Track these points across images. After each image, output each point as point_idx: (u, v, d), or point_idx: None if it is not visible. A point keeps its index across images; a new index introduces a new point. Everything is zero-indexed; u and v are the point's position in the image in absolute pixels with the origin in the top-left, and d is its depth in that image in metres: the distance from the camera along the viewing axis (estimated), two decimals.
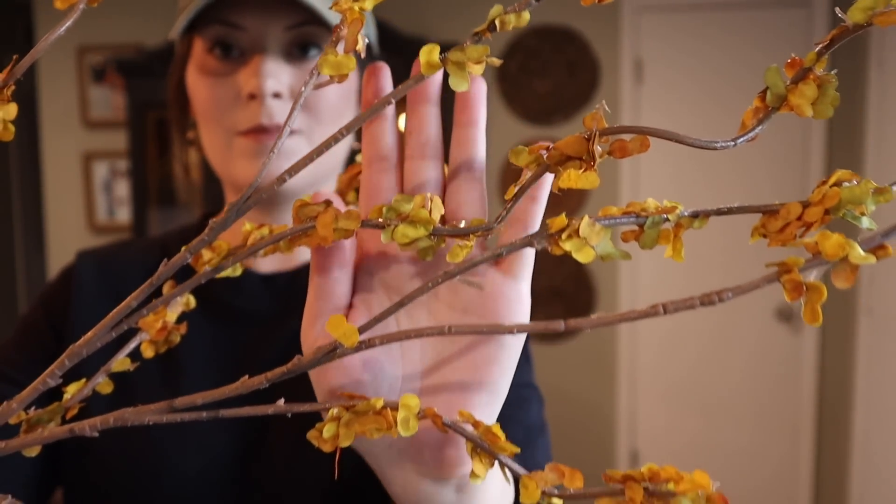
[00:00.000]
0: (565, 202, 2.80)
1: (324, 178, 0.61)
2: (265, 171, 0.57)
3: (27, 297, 4.50)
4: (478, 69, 0.27)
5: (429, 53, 0.27)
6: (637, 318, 0.26)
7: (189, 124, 0.66)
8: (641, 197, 2.76)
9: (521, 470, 0.28)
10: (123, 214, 3.13)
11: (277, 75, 0.55)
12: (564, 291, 2.80)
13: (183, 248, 0.29)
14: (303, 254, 0.65)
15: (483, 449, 0.29)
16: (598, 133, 0.27)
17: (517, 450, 0.28)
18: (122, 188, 3.12)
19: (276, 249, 0.32)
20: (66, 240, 3.23)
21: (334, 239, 0.28)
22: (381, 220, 0.28)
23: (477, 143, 0.33)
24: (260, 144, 0.56)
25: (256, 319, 0.60)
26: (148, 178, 2.83)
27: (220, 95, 0.57)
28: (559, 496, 0.27)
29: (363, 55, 0.29)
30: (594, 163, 0.27)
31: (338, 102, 0.59)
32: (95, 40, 3.10)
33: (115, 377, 0.51)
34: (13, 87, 0.30)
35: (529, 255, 0.32)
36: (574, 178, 0.28)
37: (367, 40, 0.68)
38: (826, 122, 2.64)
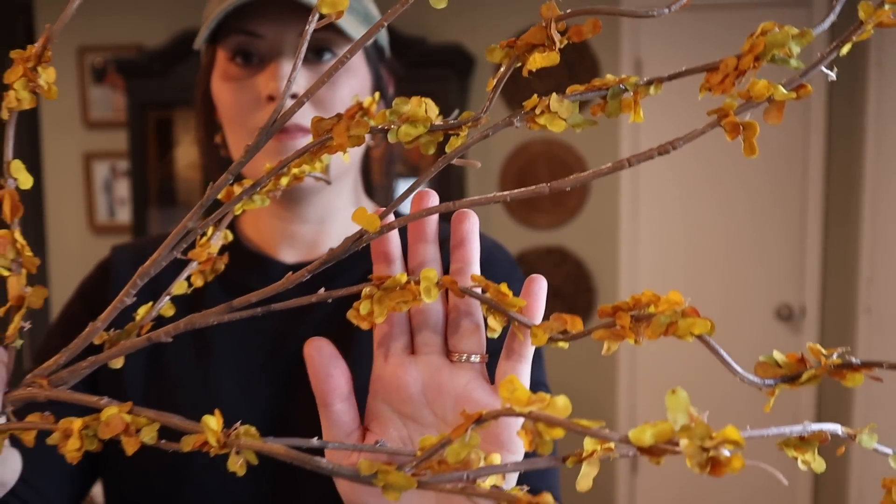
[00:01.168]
0: (566, 200, 2.80)
1: (339, 175, 0.65)
2: (283, 167, 0.60)
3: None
4: None
5: None
6: (607, 172, 0.32)
7: (216, 128, 0.70)
8: (641, 198, 2.76)
9: (527, 321, 0.35)
10: (124, 214, 3.13)
11: (294, 78, 0.57)
12: (564, 292, 2.80)
13: (221, 177, 0.34)
14: (327, 243, 0.68)
15: (497, 309, 0.35)
16: (553, 20, 0.31)
17: (524, 303, 0.35)
18: (123, 188, 3.13)
19: (292, 202, 0.39)
20: (66, 240, 3.23)
21: (349, 146, 0.33)
22: (384, 125, 0.33)
23: (467, 270, 0.37)
24: (281, 144, 0.60)
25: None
26: (148, 179, 2.83)
27: (243, 99, 0.61)
28: (563, 339, 0.33)
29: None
30: (554, 46, 0.32)
31: (345, 92, 0.62)
32: (96, 41, 3.10)
33: (152, 358, 0.55)
34: (50, 52, 0.35)
35: (527, 371, 0.37)
36: (539, 60, 0.32)
37: (384, 48, 0.70)
38: (826, 121, 2.64)
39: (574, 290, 2.79)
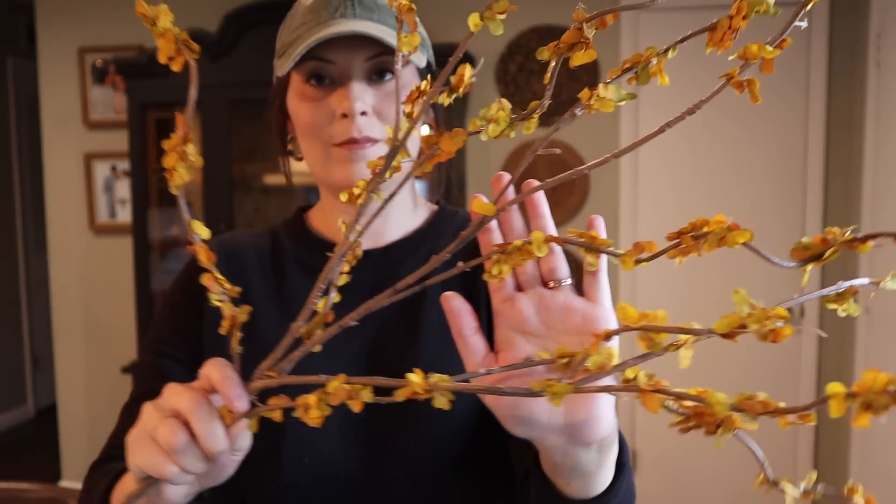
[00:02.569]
0: (565, 202, 2.80)
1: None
2: (358, 175, 0.73)
3: (28, 297, 4.50)
4: (501, 18, 0.41)
5: (473, 18, 0.41)
6: (648, 139, 0.41)
7: (287, 138, 0.81)
8: (640, 198, 2.77)
9: (617, 252, 0.43)
10: (124, 215, 3.13)
11: (363, 97, 0.71)
12: None
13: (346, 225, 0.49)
14: (389, 234, 0.80)
15: (592, 249, 0.45)
16: (584, 22, 0.40)
17: (610, 242, 0.45)
18: (123, 189, 3.13)
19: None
20: (67, 240, 3.23)
21: (454, 151, 0.44)
22: (478, 128, 0.44)
23: (548, 228, 0.50)
24: (352, 153, 0.72)
25: (356, 289, 0.74)
26: (149, 179, 2.84)
27: (318, 116, 0.73)
28: (645, 259, 0.42)
29: (422, 34, 0.40)
30: (589, 43, 0.41)
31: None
32: (96, 41, 3.10)
33: (246, 335, 0.71)
34: (191, 135, 0.47)
35: (605, 284, 0.50)
36: (581, 57, 0.42)
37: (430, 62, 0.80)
38: (825, 121, 2.65)
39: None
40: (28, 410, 4.54)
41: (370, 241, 0.79)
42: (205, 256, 0.48)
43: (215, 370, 0.48)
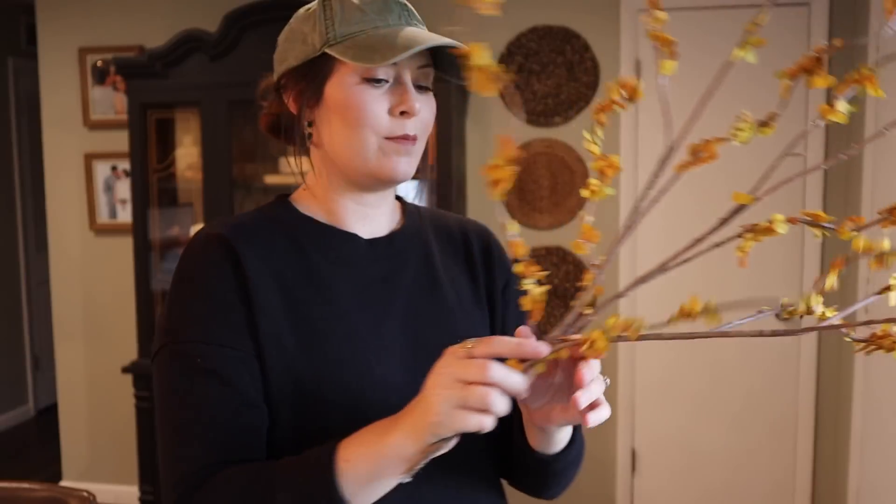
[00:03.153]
0: (566, 202, 2.81)
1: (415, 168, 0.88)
2: (402, 168, 0.82)
3: (29, 297, 4.50)
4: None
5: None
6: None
7: (308, 123, 0.85)
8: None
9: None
10: (125, 215, 3.13)
11: (418, 100, 0.81)
12: (564, 291, 2.80)
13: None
14: (383, 226, 0.89)
15: (815, 224, 0.55)
16: (822, 52, 0.44)
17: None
18: (124, 189, 3.13)
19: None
20: (67, 240, 3.23)
21: (717, 153, 0.52)
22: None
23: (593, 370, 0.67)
24: (404, 147, 0.81)
25: (372, 274, 0.86)
26: (149, 179, 2.83)
27: (373, 108, 0.80)
28: (857, 230, 0.52)
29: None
30: (823, 70, 0.45)
31: (433, 116, 0.85)
32: (97, 42, 3.10)
33: (291, 315, 0.80)
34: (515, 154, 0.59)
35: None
36: (820, 82, 0.47)
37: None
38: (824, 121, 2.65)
39: (574, 290, 2.79)
40: (28, 410, 4.54)
41: (373, 229, 0.88)
42: (521, 250, 0.58)
43: (502, 344, 0.61)
